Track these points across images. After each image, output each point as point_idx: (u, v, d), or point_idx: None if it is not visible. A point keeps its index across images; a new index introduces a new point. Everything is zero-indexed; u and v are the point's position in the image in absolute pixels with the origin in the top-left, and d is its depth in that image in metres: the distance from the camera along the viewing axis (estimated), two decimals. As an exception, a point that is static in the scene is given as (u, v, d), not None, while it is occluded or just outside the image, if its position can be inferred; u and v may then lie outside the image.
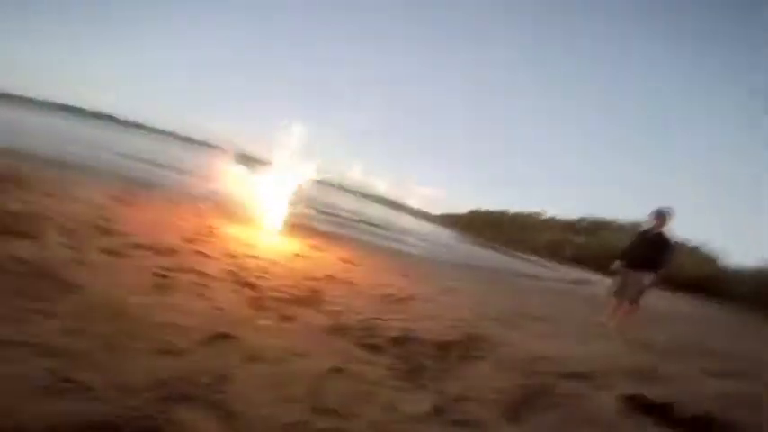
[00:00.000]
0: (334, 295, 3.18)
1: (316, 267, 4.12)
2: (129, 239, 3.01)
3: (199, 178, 9.22)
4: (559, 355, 2.71)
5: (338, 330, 2.41)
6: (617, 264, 4.42)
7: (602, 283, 11.16)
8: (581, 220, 35.19)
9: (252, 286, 2.85)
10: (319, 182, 7.02)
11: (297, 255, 4.58)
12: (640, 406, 1.88)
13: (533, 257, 22.68)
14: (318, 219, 10.52)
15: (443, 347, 2.49)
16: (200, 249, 3.43)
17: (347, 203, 26.00)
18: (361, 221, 15.51)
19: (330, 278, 3.75)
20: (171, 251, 3.08)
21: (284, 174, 6.43)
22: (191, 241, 3.63)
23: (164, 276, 2.50)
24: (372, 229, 14.29)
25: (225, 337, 1.90)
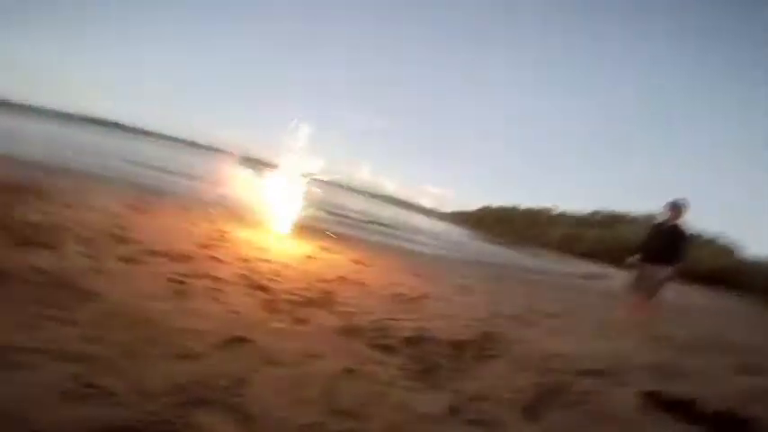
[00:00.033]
0: (347, 296, 3.19)
1: (327, 269, 4.14)
2: (145, 247, 3.08)
3: (208, 183, 9.35)
4: (576, 352, 2.68)
5: (351, 331, 2.42)
6: (633, 258, 4.34)
7: (617, 278, 10.98)
8: (594, 213, 34.66)
9: (265, 289, 2.88)
10: (327, 183, 7.05)
11: (308, 257, 4.62)
12: (660, 403, 1.84)
13: (546, 253, 22.44)
14: (328, 220, 10.57)
15: (457, 347, 2.48)
16: (214, 254, 3.48)
17: (356, 204, 26.06)
18: (370, 222, 15.53)
19: (342, 279, 3.77)
20: (185, 257, 3.13)
21: (292, 176, 6.48)
22: (204, 246, 3.68)
23: (179, 282, 2.54)
24: (382, 228, 14.30)
25: (241, 340, 1.93)
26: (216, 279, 2.81)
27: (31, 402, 1.19)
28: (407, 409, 1.65)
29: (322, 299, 2.96)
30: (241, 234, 4.88)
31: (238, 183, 6.99)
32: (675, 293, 5.11)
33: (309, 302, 2.82)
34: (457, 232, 28.19)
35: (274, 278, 3.23)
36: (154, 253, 3.00)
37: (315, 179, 6.60)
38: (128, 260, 2.70)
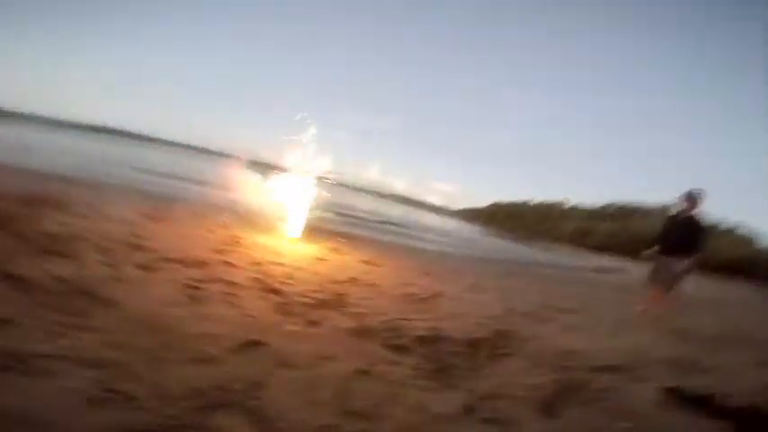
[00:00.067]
0: (358, 297, 3.20)
1: (338, 270, 4.16)
2: (160, 254, 3.14)
3: (217, 189, 9.47)
4: (592, 348, 2.65)
5: (364, 332, 2.43)
6: (649, 251, 4.26)
7: (632, 271, 10.80)
8: (607, 206, 34.12)
9: (278, 292, 2.91)
10: (336, 184, 7.07)
11: (319, 259, 4.65)
12: (680, 398, 1.81)
13: (558, 247, 22.16)
14: (338, 221, 10.61)
15: (471, 345, 2.47)
16: (227, 259, 3.53)
17: (366, 204, 26.11)
18: (380, 222, 15.55)
19: (353, 280, 3.79)
20: (199, 263, 3.19)
21: (299, 178, 6.51)
22: (217, 252, 3.74)
23: (195, 288, 2.59)
24: (393, 228, 14.30)
25: (256, 344, 1.96)
26: (230, 284, 2.85)
27: (55, 408, 1.23)
28: (422, 409, 1.65)
29: (334, 300, 2.98)
30: (253, 238, 4.94)
31: (247, 187, 7.05)
32: (693, 285, 5.00)
33: (322, 304, 2.84)
34: (468, 229, 28.02)
35: (287, 281, 3.27)
36: (169, 260, 3.06)
37: (323, 180, 6.63)
38: (144, 267, 2.76)
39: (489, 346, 2.49)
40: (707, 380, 2.04)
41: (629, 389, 2.00)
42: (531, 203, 43.72)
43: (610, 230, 25.51)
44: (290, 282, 3.27)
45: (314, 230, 6.41)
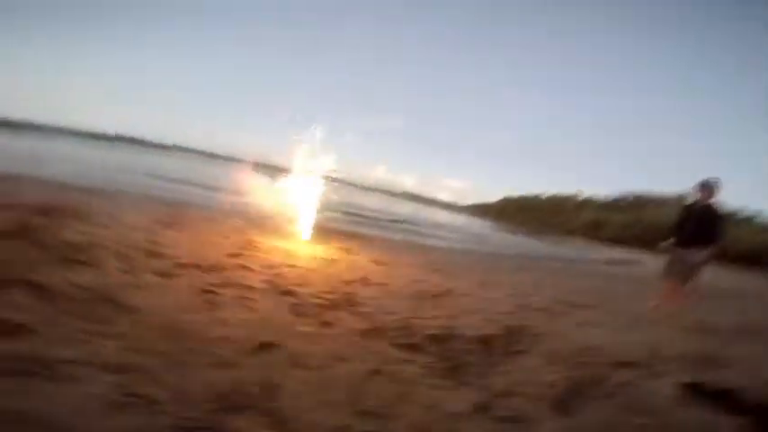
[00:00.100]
0: (370, 297, 3.23)
1: (350, 271, 4.20)
2: (177, 260, 3.21)
3: (228, 193, 9.57)
4: (607, 344, 2.61)
5: (376, 332, 2.46)
6: (665, 243, 4.17)
7: (647, 263, 10.60)
8: (621, 197, 33.51)
9: (292, 294, 2.96)
10: (345, 184, 7.12)
11: (331, 259, 4.69)
12: (700, 394, 1.78)
13: (571, 240, 21.86)
14: (348, 221, 10.67)
15: (484, 342, 2.47)
16: (242, 263, 3.60)
17: (375, 203, 26.14)
18: (390, 220, 15.56)
19: (364, 280, 3.82)
20: (215, 267, 3.25)
21: (308, 180, 6.56)
22: (232, 256, 3.81)
23: (212, 292, 2.65)
24: (402, 226, 14.30)
25: (271, 346, 2.00)
26: (245, 287, 2.91)
27: (79, 413, 1.27)
28: (435, 408, 1.66)
29: (346, 301, 3.01)
30: (266, 241, 5.01)
31: (257, 190, 7.12)
32: (711, 276, 4.89)
33: (334, 305, 2.87)
34: (478, 224, 27.84)
35: (300, 283, 3.31)
36: (186, 265, 3.12)
37: (332, 181, 6.67)
38: (163, 274, 2.82)
39: (502, 343, 2.49)
40: (726, 374, 2.00)
41: (646, 385, 1.97)
42: (544, 197, 43.18)
43: (623, 222, 25.06)
44: (304, 283, 3.31)
45: (325, 231, 6.46)
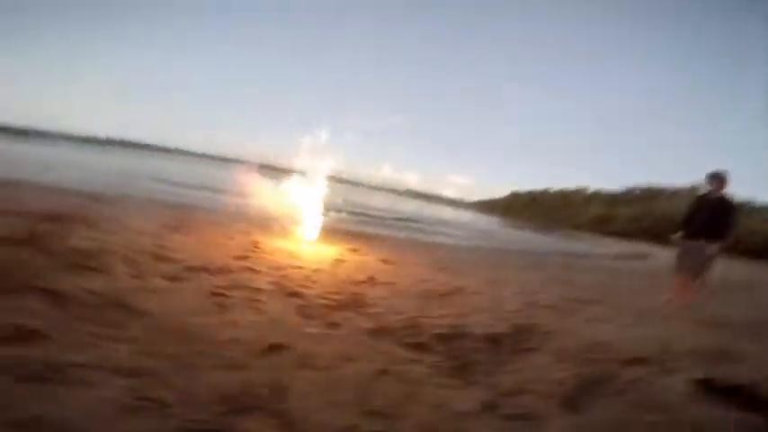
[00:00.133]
0: (377, 297, 3.23)
1: (356, 271, 4.20)
2: (185, 264, 3.24)
3: (233, 195, 9.62)
4: (617, 340, 2.58)
5: (383, 332, 2.46)
6: (676, 235, 4.09)
7: (657, 256, 10.46)
8: (630, 190, 33.11)
9: (299, 295, 2.97)
10: (350, 183, 7.14)
11: (337, 260, 4.70)
12: (712, 390, 1.76)
13: (579, 234, 21.67)
14: (353, 221, 10.68)
15: (492, 340, 2.46)
16: (249, 265, 3.62)
17: (380, 202, 26.12)
18: (396, 218, 15.55)
19: (371, 280, 3.82)
20: (223, 270, 3.28)
21: (313, 180, 6.58)
22: (239, 258, 3.84)
23: (220, 295, 2.68)
24: (408, 224, 14.29)
25: (281, 347, 2.01)
26: (253, 289, 2.93)
27: (92, 417, 1.29)
28: (442, 407, 1.66)
29: (353, 301, 3.02)
30: (273, 243, 5.04)
31: (262, 192, 7.15)
32: (722, 269, 4.80)
33: (341, 306, 2.88)
34: (485, 221, 27.71)
35: (307, 284, 3.33)
36: (194, 269, 3.16)
37: (336, 181, 6.68)
38: (171, 278, 2.86)
39: (511, 341, 2.47)
40: (738, 370, 1.97)
41: (657, 381, 1.94)
42: (551, 191, 42.85)
43: (631, 215, 24.76)
44: (311, 284, 3.33)
45: (331, 231, 6.48)
